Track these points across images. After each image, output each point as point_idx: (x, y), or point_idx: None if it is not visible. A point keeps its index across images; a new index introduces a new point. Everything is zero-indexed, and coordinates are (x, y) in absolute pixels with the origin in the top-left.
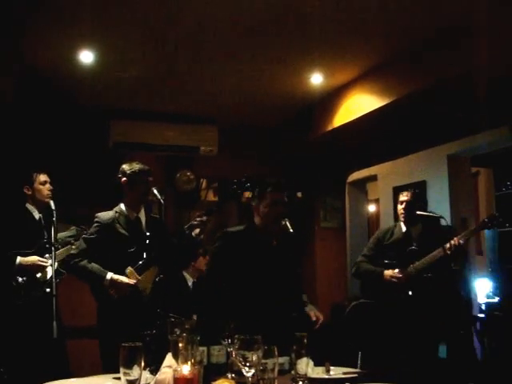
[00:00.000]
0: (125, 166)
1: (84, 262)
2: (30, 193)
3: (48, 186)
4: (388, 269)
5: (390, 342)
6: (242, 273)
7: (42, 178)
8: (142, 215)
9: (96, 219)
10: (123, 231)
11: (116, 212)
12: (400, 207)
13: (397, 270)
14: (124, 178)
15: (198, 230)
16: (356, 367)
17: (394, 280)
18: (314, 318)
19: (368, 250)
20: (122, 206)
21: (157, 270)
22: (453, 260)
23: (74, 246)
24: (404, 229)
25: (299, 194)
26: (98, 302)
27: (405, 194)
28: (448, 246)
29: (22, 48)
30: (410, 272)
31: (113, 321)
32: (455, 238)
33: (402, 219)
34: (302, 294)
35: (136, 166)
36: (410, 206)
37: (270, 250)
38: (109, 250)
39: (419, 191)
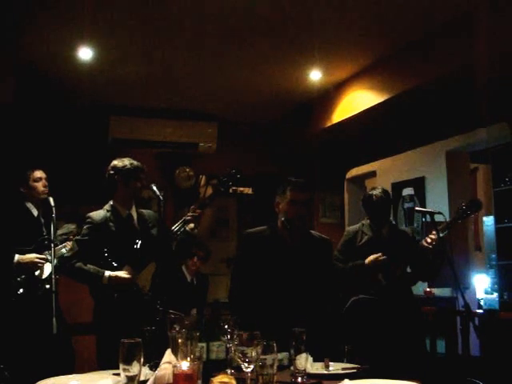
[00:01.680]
0: (116, 162)
1: (79, 264)
2: (26, 191)
3: (43, 182)
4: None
5: (387, 338)
6: (263, 274)
7: (37, 174)
8: (134, 212)
9: (88, 219)
10: (116, 230)
11: (107, 210)
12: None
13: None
14: (116, 175)
15: (192, 225)
16: (354, 362)
17: (380, 259)
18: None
19: (340, 252)
20: (113, 204)
21: (154, 267)
22: (434, 255)
23: (69, 242)
24: (374, 228)
25: None
26: (95, 299)
27: (378, 193)
28: (429, 240)
29: (21, 45)
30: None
31: (110, 318)
32: (433, 232)
33: (377, 220)
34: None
35: (128, 163)
36: (386, 206)
37: (290, 251)
38: (103, 250)
39: (387, 191)
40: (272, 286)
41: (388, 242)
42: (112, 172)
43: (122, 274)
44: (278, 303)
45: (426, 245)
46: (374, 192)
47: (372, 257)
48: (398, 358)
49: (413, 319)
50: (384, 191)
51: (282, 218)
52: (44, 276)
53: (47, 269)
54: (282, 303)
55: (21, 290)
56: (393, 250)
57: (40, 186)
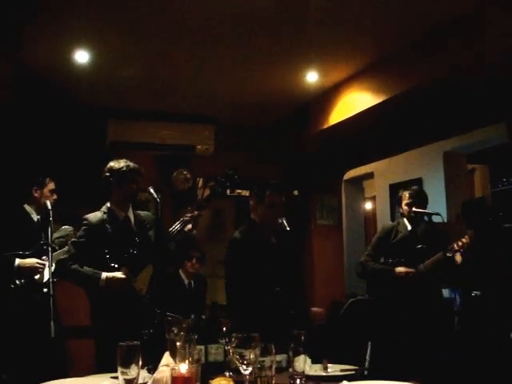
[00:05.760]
0: (112, 164)
1: (75, 266)
2: (36, 195)
3: (54, 195)
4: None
5: (388, 339)
6: (250, 272)
7: (52, 185)
8: (131, 214)
9: (84, 221)
10: (113, 232)
11: (104, 212)
12: (405, 208)
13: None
14: (111, 177)
15: (190, 226)
16: (353, 364)
17: (408, 275)
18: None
19: (372, 248)
20: (110, 206)
21: (151, 270)
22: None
23: (65, 249)
24: (409, 227)
25: (296, 192)
26: (93, 302)
27: (407, 193)
28: (460, 243)
29: (20, 48)
30: (420, 270)
31: (108, 321)
32: (466, 236)
33: (408, 218)
34: (302, 291)
35: (124, 164)
36: (414, 205)
37: (269, 248)
38: (100, 253)
39: (420, 189)
40: (263, 285)
41: (422, 242)
42: (108, 174)
43: (119, 274)
44: (263, 299)
45: (456, 248)
46: (405, 198)
47: (403, 270)
48: (403, 359)
49: (434, 320)
50: (415, 190)
51: (282, 220)
52: (44, 280)
53: (47, 273)
54: (266, 299)
55: (20, 294)
56: (425, 250)
57: (51, 197)
